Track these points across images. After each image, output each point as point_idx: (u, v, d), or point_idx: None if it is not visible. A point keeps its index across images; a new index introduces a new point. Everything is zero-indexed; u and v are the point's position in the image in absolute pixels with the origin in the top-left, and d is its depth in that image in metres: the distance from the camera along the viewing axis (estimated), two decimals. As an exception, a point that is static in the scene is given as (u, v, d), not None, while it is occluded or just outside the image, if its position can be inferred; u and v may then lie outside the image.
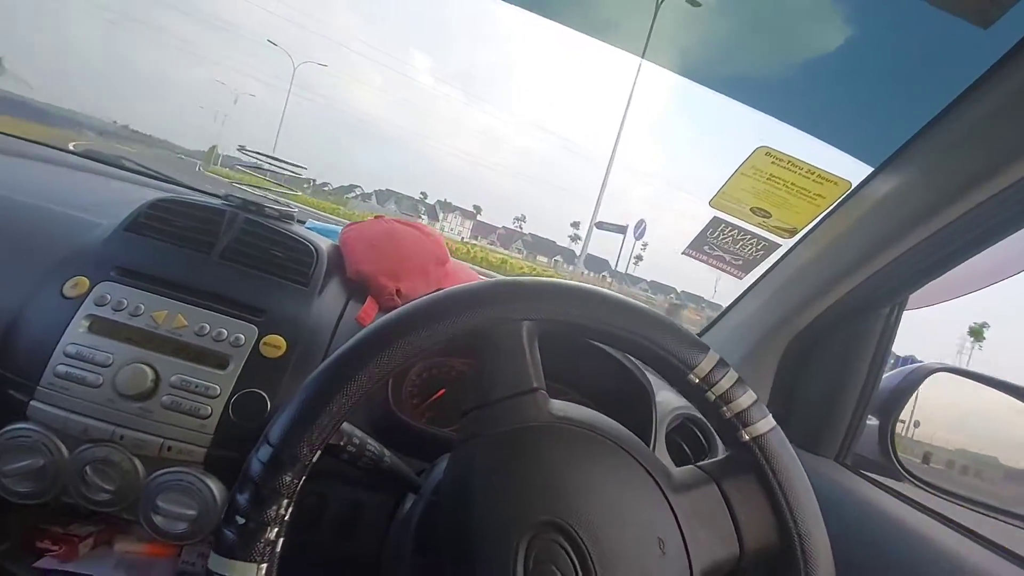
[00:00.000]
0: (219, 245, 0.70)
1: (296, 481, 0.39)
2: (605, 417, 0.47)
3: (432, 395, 0.81)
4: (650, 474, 0.43)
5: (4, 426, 0.58)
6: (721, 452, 0.49)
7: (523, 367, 0.44)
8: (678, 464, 0.79)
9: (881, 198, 0.70)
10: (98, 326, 0.61)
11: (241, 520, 0.38)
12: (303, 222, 1.04)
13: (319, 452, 0.40)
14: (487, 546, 0.39)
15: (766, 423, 0.44)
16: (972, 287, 0.71)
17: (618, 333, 0.44)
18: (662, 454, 0.79)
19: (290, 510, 0.39)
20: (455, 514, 0.42)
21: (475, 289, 0.44)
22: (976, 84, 0.56)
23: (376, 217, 0.87)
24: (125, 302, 0.62)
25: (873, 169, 0.71)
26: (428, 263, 0.85)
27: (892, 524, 0.69)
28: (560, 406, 0.45)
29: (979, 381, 0.86)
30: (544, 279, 0.46)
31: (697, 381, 0.44)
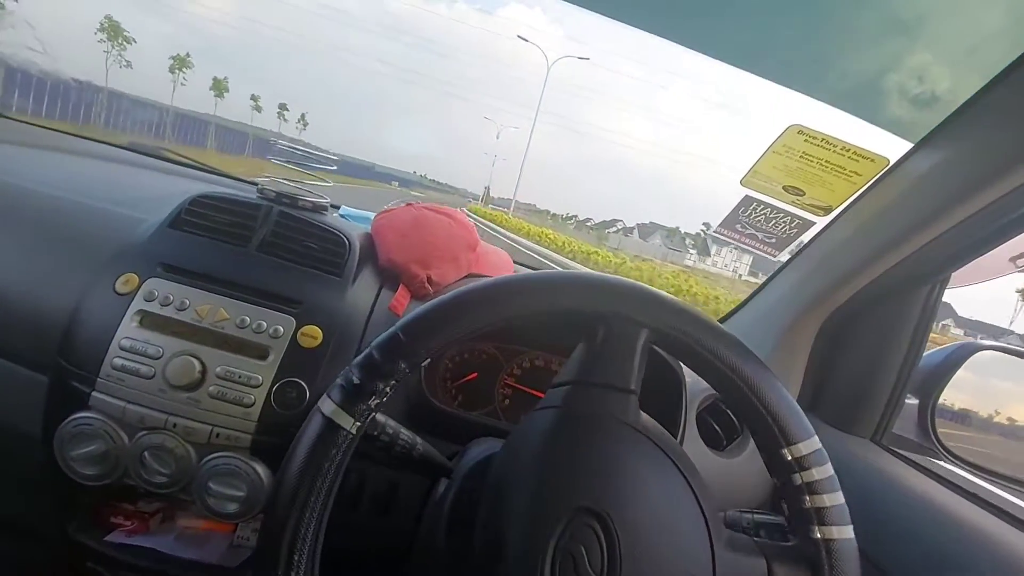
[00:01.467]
0: (256, 238, 0.72)
1: (406, 369, 0.43)
2: (685, 452, 0.48)
3: (463, 378, 0.83)
4: (706, 521, 0.43)
5: (70, 415, 0.62)
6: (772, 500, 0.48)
7: (629, 368, 0.45)
8: (708, 444, 0.80)
9: (921, 175, 0.68)
10: (148, 321, 0.65)
11: (356, 380, 0.43)
12: (337, 207, 1.07)
13: (429, 359, 0.43)
14: (533, 508, 0.42)
15: (844, 531, 0.42)
16: (1019, 266, 0.68)
17: (728, 376, 0.44)
18: (692, 436, 0.79)
19: (389, 394, 0.44)
20: (509, 475, 0.45)
21: (616, 283, 0.46)
22: (1022, 58, 0.52)
23: (408, 204, 0.88)
24: (171, 297, 0.65)
25: (913, 145, 0.68)
26: (458, 249, 0.86)
27: (926, 505, 0.68)
28: (648, 420, 0.47)
29: (1026, 359, 0.83)
30: (678, 301, 0.47)
31: (789, 459, 0.43)
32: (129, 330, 0.64)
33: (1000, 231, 0.64)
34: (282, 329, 0.66)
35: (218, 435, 0.63)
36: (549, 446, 0.44)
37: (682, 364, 0.78)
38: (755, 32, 0.67)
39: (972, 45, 0.57)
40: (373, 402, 0.43)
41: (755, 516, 0.60)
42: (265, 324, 0.66)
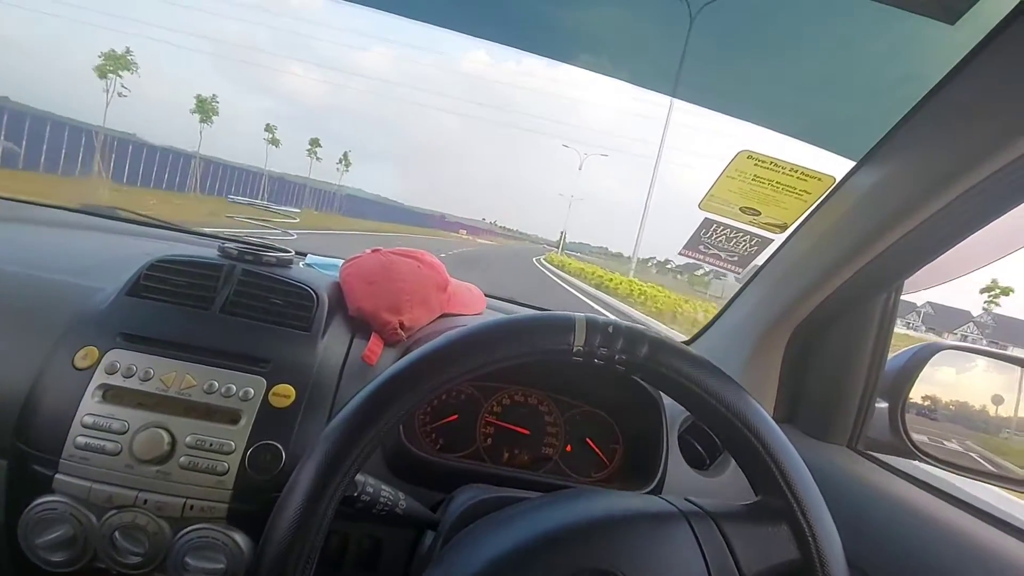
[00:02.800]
0: (219, 300, 0.71)
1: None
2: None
3: (442, 420, 0.82)
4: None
5: (33, 500, 0.59)
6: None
7: None
8: (692, 465, 0.81)
9: (867, 190, 0.71)
10: (111, 394, 0.63)
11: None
12: (304, 255, 1.06)
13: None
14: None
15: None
16: (967, 268, 0.72)
17: (699, 395, 0.46)
18: (675, 458, 0.80)
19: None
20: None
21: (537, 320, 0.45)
22: (948, 77, 0.56)
23: (374, 250, 0.88)
24: (135, 368, 0.64)
25: (855, 163, 0.71)
26: (429, 291, 0.86)
27: (903, 507, 0.70)
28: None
29: (984, 355, 0.86)
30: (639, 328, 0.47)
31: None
32: (91, 406, 0.62)
33: (945, 239, 0.67)
34: (252, 391, 0.65)
35: (192, 507, 0.61)
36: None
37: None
38: (721, 75, 0.71)
39: (904, 70, 0.61)
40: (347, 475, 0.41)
41: None
42: (234, 387, 0.64)
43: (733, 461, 0.81)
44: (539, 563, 0.42)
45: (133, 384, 0.63)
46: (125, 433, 0.61)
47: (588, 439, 0.83)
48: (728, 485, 0.80)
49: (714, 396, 0.45)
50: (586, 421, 0.84)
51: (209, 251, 0.80)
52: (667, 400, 0.80)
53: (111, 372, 0.63)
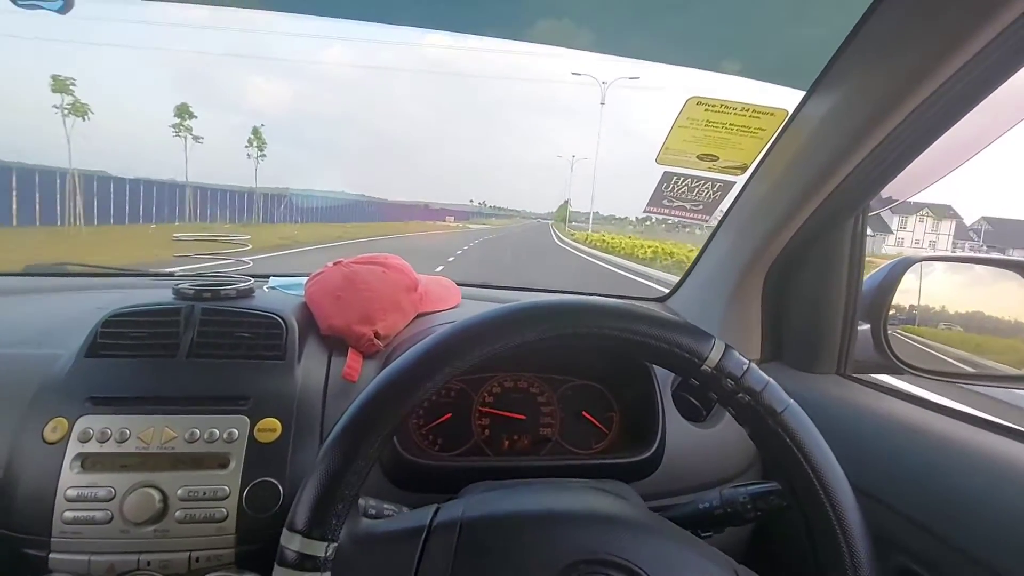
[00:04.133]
0: (183, 345, 0.69)
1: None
2: None
3: (437, 420, 0.81)
4: None
5: None
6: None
7: None
8: (688, 418, 0.82)
9: (820, 118, 0.70)
10: (90, 463, 0.61)
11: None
12: (266, 277, 1.02)
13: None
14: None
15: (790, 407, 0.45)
16: (923, 184, 0.72)
17: (635, 340, 0.44)
18: (672, 413, 0.81)
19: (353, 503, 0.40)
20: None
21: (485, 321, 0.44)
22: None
23: (335, 263, 0.86)
24: (109, 431, 0.61)
25: (805, 93, 0.69)
26: (399, 295, 0.84)
27: (895, 425, 0.71)
28: None
29: (955, 261, 0.87)
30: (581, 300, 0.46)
31: (711, 370, 0.44)
32: (72, 478, 0.60)
33: (900, 158, 0.67)
34: (237, 431, 0.63)
35: (198, 559, 0.60)
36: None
37: None
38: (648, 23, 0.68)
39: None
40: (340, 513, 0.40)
41: (749, 488, 0.61)
42: (217, 431, 0.63)
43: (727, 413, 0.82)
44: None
45: (111, 448, 0.61)
46: (113, 499, 0.59)
47: (584, 412, 0.83)
48: (724, 435, 0.81)
49: (815, 471, 0.44)
50: (579, 394, 0.84)
51: (166, 293, 0.77)
52: None
53: (85, 440, 0.61)
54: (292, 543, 0.38)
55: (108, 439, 0.61)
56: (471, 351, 0.42)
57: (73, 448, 0.61)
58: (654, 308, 1.18)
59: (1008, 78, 0.54)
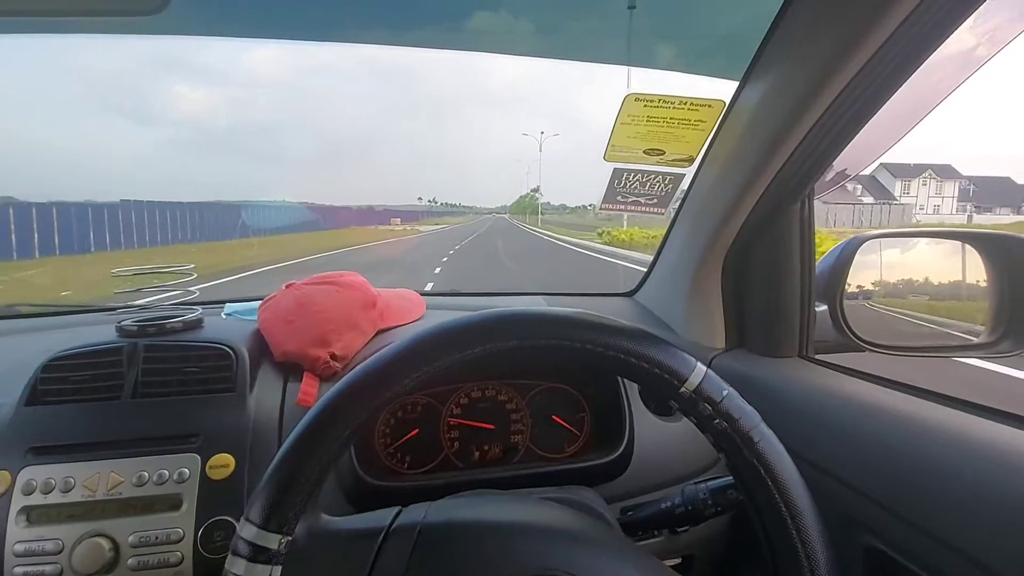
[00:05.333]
0: (127, 385, 0.66)
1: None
2: None
3: (404, 437, 0.80)
4: None
5: None
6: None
7: None
8: (655, 413, 0.81)
9: (755, 106, 0.70)
10: (36, 515, 0.58)
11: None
12: (222, 304, 1.00)
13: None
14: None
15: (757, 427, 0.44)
16: (863, 164, 0.73)
17: (603, 354, 0.43)
18: (639, 408, 0.81)
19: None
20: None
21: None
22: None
23: (287, 286, 0.84)
24: (53, 481, 0.59)
25: (738, 83, 0.70)
26: (355, 314, 0.82)
27: (856, 404, 0.72)
28: None
29: (903, 236, 0.89)
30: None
31: (690, 394, 0.43)
32: (18, 533, 0.57)
33: (839, 137, 0.67)
34: (188, 470, 0.61)
35: None
36: None
37: None
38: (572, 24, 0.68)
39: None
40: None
41: (708, 484, 0.61)
42: (167, 472, 0.61)
43: None
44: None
45: (56, 498, 0.59)
46: (62, 552, 0.57)
47: (554, 416, 0.83)
48: (691, 427, 0.81)
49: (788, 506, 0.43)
50: (548, 398, 0.84)
51: (111, 331, 0.74)
52: None
53: (29, 492, 0.59)
54: (246, 533, 0.37)
55: (52, 489, 0.59)
56: (446, 354, 0.41)
57: (18, 502, 0.58)
58: (620, 303, 1.18)
59: (934, 49, 0.55)
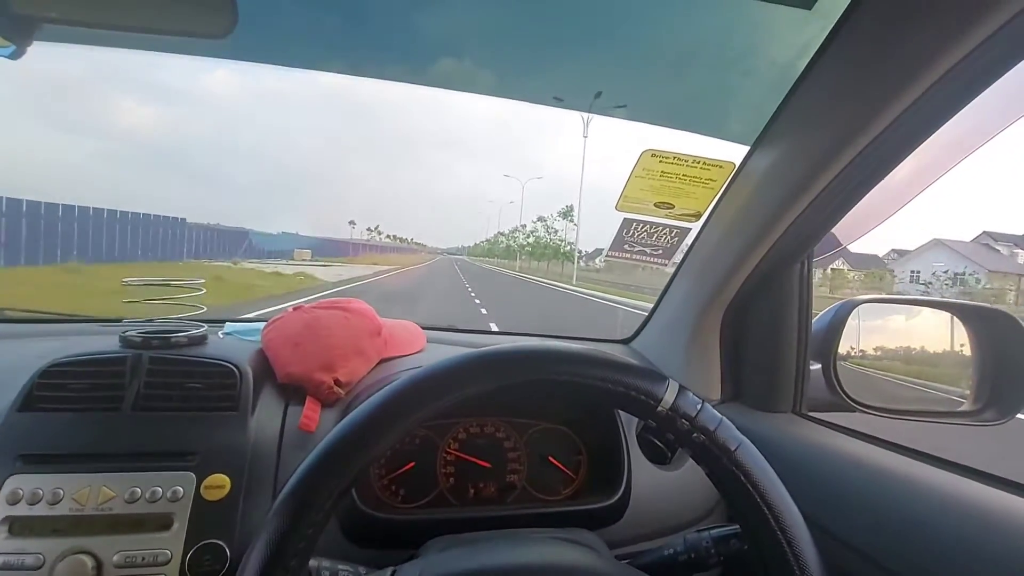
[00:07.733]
0: (128, 397, 0.65)
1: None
2: None
3: (400, 469, 0.78)
4: None
5: None
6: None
7: None
8: (654, 461, 0.82)
9: (764, 172, 0.74)
10: (19, 527, 0.56)
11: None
12: (222, 322, 0.99)
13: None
14: None
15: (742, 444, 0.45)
16: (865, 229, 0.77)
17: (593, 385, 0.44)
18: (637, 456, 0.81)
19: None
20: None
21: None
22: (816, 58, 0.59)
23: (295, 308, 0.84)
24: (41, 492, 0.57)
25: (749, 148, 0.74)
26: (362, 341, 0.82)
27: (848, 461, 0.73)
28: None
29: (896, 303, 0.92)
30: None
31: (666, 412, 0.44)
32: None
33: (840, 206, 0.71)
34: (182, 489, 0.59)
35: None
36: None
37: None
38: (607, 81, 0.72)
39: (774, 56, 0.64)
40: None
41: (712, 532, 0.61)
42: (160, 489, 0.59)
43: None
44: None
45: (41, 511, 0.56)
46: (42, 567, 0.54)
47: (550, 457, 0.82)
48: (689, 477, 0.81)
49: (769, 508, 0.44)
50: (546, 438, 0.83)
51: (112, 341, 0.73)
52: None
53: (14, 502, 0.56)
54: None
55: (39, 500, 0.56)
56: (428, 403, 0.41)
57: (1, 511, 0.56)
58: (617, 350, 1.19)
59: (932, 132, 0.60)
